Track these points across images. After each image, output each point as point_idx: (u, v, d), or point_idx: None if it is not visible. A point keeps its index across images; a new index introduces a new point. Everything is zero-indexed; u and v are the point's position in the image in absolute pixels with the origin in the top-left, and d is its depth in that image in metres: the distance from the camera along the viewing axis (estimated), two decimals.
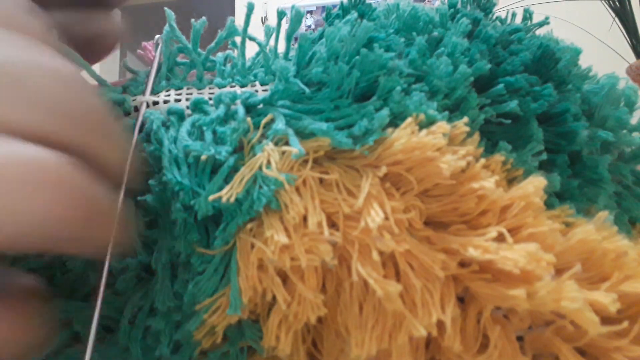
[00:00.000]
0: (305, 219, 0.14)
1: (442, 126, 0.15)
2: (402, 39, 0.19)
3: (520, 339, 0.15)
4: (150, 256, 0.17)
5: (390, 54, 0.17)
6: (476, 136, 0.16)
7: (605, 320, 0.13)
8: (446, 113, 0.16)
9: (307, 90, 0.17)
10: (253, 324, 0.16)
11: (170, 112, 0.18)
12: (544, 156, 0.18)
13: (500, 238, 0.14)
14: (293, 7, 0.19)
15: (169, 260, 0.17)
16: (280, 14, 0.21)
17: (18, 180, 0.11)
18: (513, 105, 0.18)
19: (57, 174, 0.11)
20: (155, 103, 0.19)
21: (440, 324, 0.14)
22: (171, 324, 0.16)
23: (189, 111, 0.18)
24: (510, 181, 0.16)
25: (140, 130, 0.18)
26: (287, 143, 0.16)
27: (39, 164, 0.11)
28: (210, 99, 0.19)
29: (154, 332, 0.17)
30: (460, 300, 0.15)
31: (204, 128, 0.17)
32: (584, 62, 0.22)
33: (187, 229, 0.16)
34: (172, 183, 0.15)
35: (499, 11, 0.24)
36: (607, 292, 0.14)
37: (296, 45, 0.18)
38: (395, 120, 0.16)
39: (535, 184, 0.15)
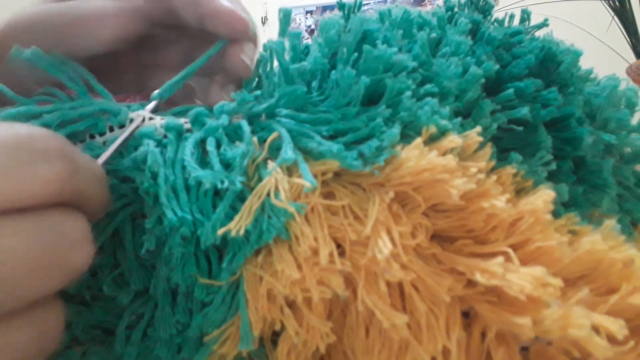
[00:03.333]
0: (314, 249, 0.14)
1: (453, 140, 0.14)
2: (400, 31, 0.18)
3: (525, 349, 0.14)
4: (149, 278, 0.17)
5: (393, 48, 0.16)
6: (488, 148, 0.16)
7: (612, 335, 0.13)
8: (458, 120, 0.16)
9: (305, 66, 0.17)
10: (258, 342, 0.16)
11: (168, 128, 0.17)
12: (554, 166, 0.17)
13: (507, 257, 0.14)
14: (281, 9, 0.18)
15: (168, 288, 0.16)
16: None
17: None
18: (525, 111, 0.17)
19: None
20: (152, 119, 0.18)
21: (445, 348, 0.13)
22: (173, 349, 0.16)
23: (187, 125, 0.18)
24: (519, 191, 0.16)
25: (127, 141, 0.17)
26: (294, 164, 0.15)
27: None
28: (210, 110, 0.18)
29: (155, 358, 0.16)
30: (465, 314, 0.14)
31: (209, 146, 0.16)
32: (584, 62, 0.21)
33: (184, 260, 0.15)
34: (172, 221, 0.15)
35: (498, 12, 0.23)
36: (615, 305, 0.13)
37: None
38: (405, 130, 0.15)
39: (544, 198, 0.14)
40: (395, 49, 0.16)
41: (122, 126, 0.18)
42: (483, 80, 0.17)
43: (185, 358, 0.16)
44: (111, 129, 0.18)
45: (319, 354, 0.16)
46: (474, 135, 0.15)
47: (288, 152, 0.15)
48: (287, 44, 0.18)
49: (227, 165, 0.16)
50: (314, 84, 0.17)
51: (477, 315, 0.14)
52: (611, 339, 0.13)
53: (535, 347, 0.14)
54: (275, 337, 0.16)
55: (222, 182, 0.15)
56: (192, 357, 0.16)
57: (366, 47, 0.16)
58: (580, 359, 0.13)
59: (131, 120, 0.18)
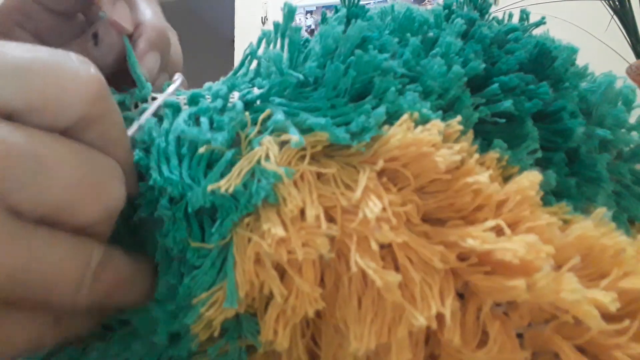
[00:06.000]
0: (302, 212, 0.14)
1: (436, 124, 0.15)
2: (396, 39, 0.19)
3: (519, 336, 0.15)
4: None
5: (384, 55, 0.17)
6: (470, 134, 0.16)
7: (605, 317, 0.13)
8: (440, 113, 0.16)
9: (301, 77, 0.17)
10: (251, 318, 0.16)
11: (165, 105, 0.18)
12: (539, 154, 0.18)
13: (498, 232, 0.14)
14: (286, 4, 0.19)
15: (168, 256, 0.17)
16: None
17: None
18: (507, 104, 0.18)
19: None
20: (154, 99, 0.19)
21: (439, 318, 0.14)
22: (168, 314, 0.16)
23: (185, 107, 0.18)
24: (506, 179, 0.17)
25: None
26: (284, 136, 0.16)
27: None
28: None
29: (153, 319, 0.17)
30: (460, 296, 0.15)
31: (201, 116, 0.17)
32: (583, 61, 0.22)
33: (175, 225, 0.16)
34: (157, 181, 0.15)
35: (497, 12, 0.24)
36: (606, 289, 0.14)
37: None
38: (390, 120, 0.16)
39: (530, 178, 0.15)
40: (386, 55, 0.17)
41: (144, 101, 0.19)
42: (465, 79, 0.18)
43: (178, 330, 0.16)
44: (136, 106, 0.19)
45: (309, 331, 0.16)
46: (455, 124, 0.16)
47: (279, 116, 0.16)
48: (285, 54, 0.18)
49: (217, 129, 0.16)
50: (310, 80, 0.18)
51: (472, 294, 0.14)
52: (604, 318, 0.13)
53: (530, 333, 0.15)
54: None
55: (205, 136, 0.15)
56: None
57: (358, 52, 0.16)
58: (574, 337, 0.14)
59: (136, 105, 0.19)
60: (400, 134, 0.15)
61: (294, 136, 0.15)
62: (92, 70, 0.14)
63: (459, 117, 0.16)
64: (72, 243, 0.13)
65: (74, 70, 0.13)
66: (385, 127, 0.15)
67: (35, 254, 0.12)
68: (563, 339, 0.14)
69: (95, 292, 0.14)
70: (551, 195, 0.17)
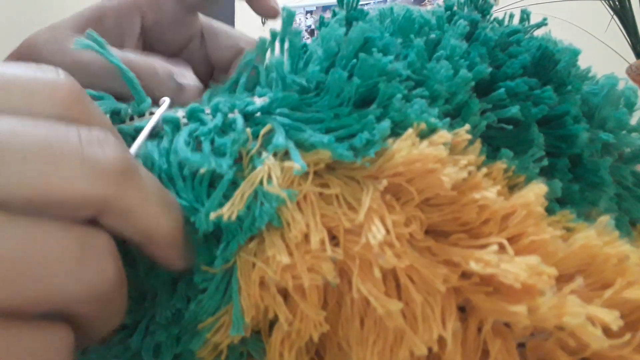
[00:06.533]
0: (306, 236, 0.14)
1: (443, 135, 0.15)
2: (399, 40, 0.18)
3: (522, 345, 0.15)
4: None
5: (389, 57, 0.17)
6: (477, 144, 0.16)
7: (608, 328, 0.13)
8: (447, 120, 0.16)
9: (304, 82, 0.17)
10: (255, 336, 0.16)
11: (164, 121, 0.17)
12: (545, 162, 0.18)
13: (501, 248, 0.14)
14: (284, 8, 0.18)
15: (168, 277, 0.16)
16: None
17: None
18: (515, 110, 0.18)
19: None
20: (152, 114, 0.18)
21: (441, 338, 0.13)
22: (172, 337, 0.16)
23: (184, 120, 0.18)
24: (512, 188, 0.16)
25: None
26: (286, 154, 0.15)
27: None
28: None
29: (157, 344, 0.16)
30: (461, 309, 0.14)
31: (202, 138, 0.16)
32: (584, 62, 0.21)
33: None
34: None
35: (498, 12, 0.23)
36: (609, 299, 0.13)
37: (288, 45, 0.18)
38: (396, 129, 0.16)
39: (536, 192, 0.15)
40: (390, 57, 0.17)
41: (141, 116, 0.18)
42: (472, 84, 0.17)
43: (184, 351, 0.16)
44: (131, 119, 0.18)
45: (314, 347, 0.16)
46: (463, 132, 0.15)
47: (279, 139, 0.15)
48: (286, 61, 0.18)
49: (219, 153, 0.16)
50: (312, 85, 0.18)
51: (473, 310, 0.14)
52: (607, 332, 0.13)
53: (532, 343, 0.15)
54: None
55: (210, 164, 0.15)
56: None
57: (362, 55, 0.16)
58: (576, 352, 0.13)
59: (131, 117, 0.18)
60: (405, 149, 0.14)
61: (296, 164, 0.15)
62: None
63: (467, 126, 0.16)
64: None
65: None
66: (390, 140, 0.15)
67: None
68: (565, 354, 0.14)
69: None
70: (555, 201, 0.17)
